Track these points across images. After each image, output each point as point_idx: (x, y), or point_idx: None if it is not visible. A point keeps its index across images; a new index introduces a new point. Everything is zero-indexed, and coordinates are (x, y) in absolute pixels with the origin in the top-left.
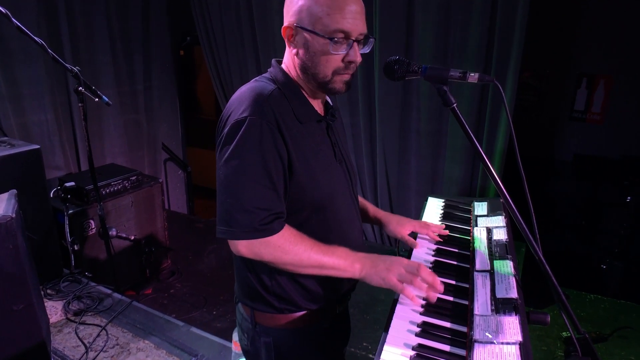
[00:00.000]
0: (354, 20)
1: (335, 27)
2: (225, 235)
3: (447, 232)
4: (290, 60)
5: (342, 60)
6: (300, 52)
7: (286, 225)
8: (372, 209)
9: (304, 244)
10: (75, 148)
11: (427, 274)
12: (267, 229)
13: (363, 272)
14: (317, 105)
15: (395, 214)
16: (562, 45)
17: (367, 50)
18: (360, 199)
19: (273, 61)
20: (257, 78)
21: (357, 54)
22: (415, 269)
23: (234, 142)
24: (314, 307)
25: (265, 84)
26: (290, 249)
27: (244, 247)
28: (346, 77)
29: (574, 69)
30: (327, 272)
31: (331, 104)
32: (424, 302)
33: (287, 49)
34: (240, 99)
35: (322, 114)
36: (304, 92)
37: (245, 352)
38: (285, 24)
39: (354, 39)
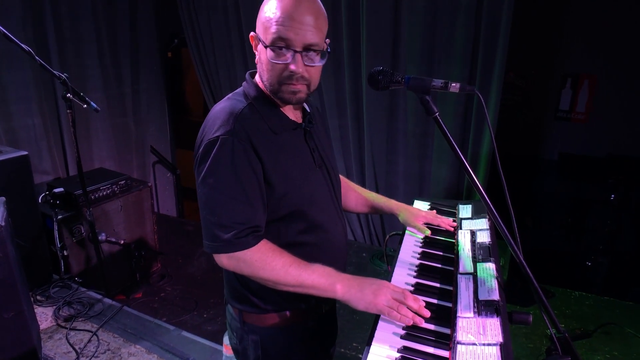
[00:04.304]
0: (298, 30)
1: (276, 35)
2: (209, 249)
3: (454, 224)
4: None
5: (286, 74)
6: (257, 60)
7: (265, 240)
8: (384, 200)
9: (282, 260)
10: (63, 152)
11: (413, 302)
12: (241, 243)
13: (347, 295)
14: (292, 113)
15: (408, 205)
16: (546, 46)
17: (319, 63)
18: (368, 192)
19: (247, 75)
20: (229, 95)
21: (297, 65)
22: (401, 296)
23: (208, 162)
24: (299, 307)
25: (236, 102)
26: (267, 263)
27: (225, 261)
28: (292, 87)
29: (559, 69)
30: (307, 290)
31: (308, 110)
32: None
33: None
34: (213, 119)
35: (299, 121)
36: (276, 104)
37: (234, 351)
38: (251, 34)
39: (296, 49)
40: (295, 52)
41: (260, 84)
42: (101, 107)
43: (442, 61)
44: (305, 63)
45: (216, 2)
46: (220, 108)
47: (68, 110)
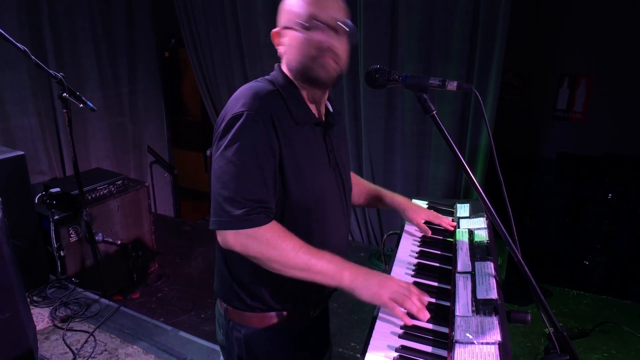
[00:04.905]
0: (331, 8)
1: (307, 13)
2: (215, 225)
3: (454, 224)
4: (283, 63)
5: (318, 47)
6: (285, 50)
7: (274, 221)
8: (389, 194)
9: (292, 242)
10: (59, 153)
11: (417, 299)
12: (254, 220)
13: (353, 284)
14: (316, 109)
15: (411, 201)
16: (544, 46)
17: (347, 40)
18: (374, 186)
19: (276, 65)
20: (257, 79)
21: (330, 39)
22: (408, 291)
23: (229, 135)
24: (287, 308)
25: (264, 85)
26: (278, 244)
27: (232, 238)
28: (323, 60)
29: (556, 68)
30: (314, 276)
31: (331, 110)
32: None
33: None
34: (238, 97)
35: (322, 119)
36: (302, 95)
37: (221, 347)
38: (274, 31)
39: (327, 23)
40: (330, 27)
41: (290, 75)
42: (98, 107)
43: (440, 60)
44: (337, 41)
45: (213, 2)
46: (247, 87)
47: (64, 110)
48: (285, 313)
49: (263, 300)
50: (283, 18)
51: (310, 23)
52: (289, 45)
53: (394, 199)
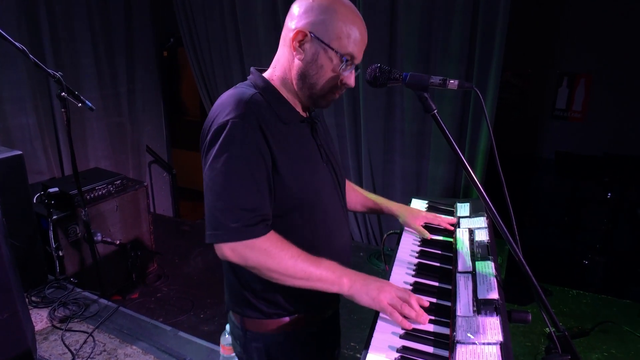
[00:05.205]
0: (361, 49)
1: (348, 51)
2: (212, 239)
3: (454, 219)
4: (285, 63)
5: (340, 81)
6: (307, 59)
7: (272, 230)
8: (385, 203)
9: (290, 251)
10: (58, 152)
11: (416, 305)
12: (251, 231)
13: (352, 290)
14: (299, 108)
15: (408, 206)
16: (543, 45)
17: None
18: (368, 192)
19: (252, 69)
20: (236, 85)
21: (353, 79)
22: (406, 296)
23: (217, 145)
24: (303, 311)
25: (245, 89)
26: (276, 253)
27: (229, 250)
28: (337, 96)
29: (556, 68)
30: (313, 284)
31: (312, 109)
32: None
33: (286, 51)
34: (221, 105)
35: (305, 117)
36: (284, 97)
37: (239, 359)
38: (298, 27)
39: (356, 66)
40: (356, 69)
41: (276, 80)
42: (97, 106)
43: (439, 60)
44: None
45: (212, 1)
46: (229, 95)
47: (62, 109)
48: (301, 316)
49: (278, 305)
50: (321, 28)
51: (349, 61)
52: (318, 63)
53: (390, 207)
